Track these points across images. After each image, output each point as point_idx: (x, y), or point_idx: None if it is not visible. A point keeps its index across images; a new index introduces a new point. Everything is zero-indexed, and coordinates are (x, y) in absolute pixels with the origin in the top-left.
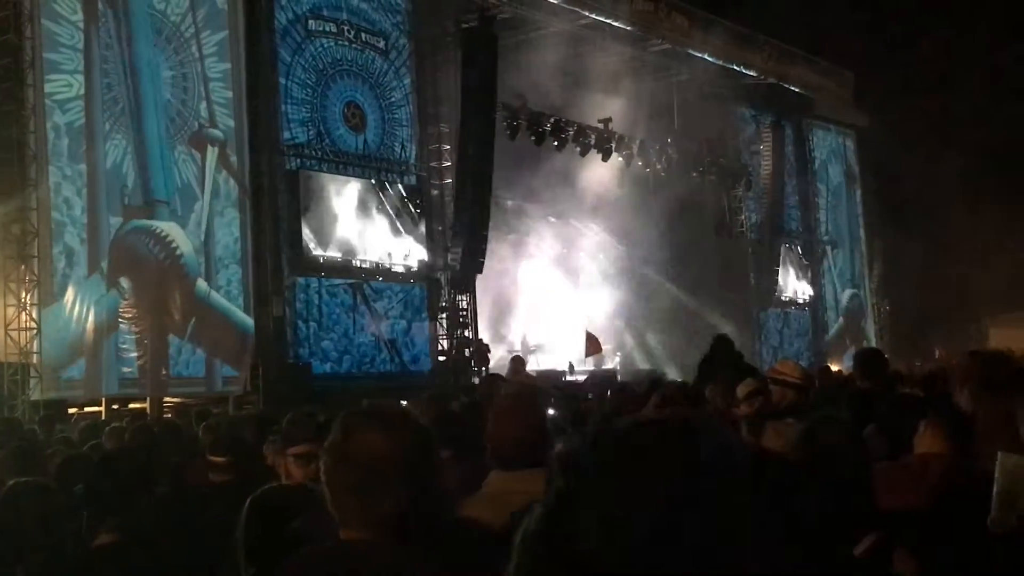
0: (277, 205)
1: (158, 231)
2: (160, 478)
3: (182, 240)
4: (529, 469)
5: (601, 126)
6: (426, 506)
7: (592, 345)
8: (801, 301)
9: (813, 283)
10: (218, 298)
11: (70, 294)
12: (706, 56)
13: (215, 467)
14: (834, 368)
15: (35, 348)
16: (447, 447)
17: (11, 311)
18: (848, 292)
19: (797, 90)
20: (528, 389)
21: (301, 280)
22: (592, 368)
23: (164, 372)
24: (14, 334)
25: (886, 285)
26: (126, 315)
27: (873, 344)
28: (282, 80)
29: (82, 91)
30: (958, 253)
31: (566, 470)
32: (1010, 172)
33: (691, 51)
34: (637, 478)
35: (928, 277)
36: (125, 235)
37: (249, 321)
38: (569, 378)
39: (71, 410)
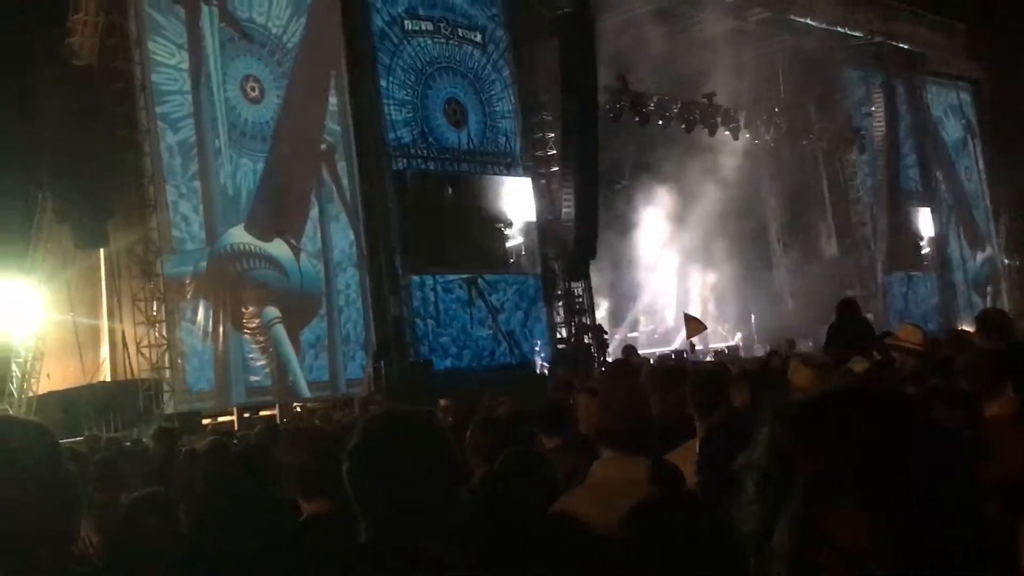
0: (387, 206)
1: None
2: None
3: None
4: (635, 455)
5: (705, 101)
6: None
7: (693, 326)
8: (926, 263)
9: (938, 244)
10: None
11: (200, 310)
12: (809, 20)
13: None
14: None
15: (166, 363)
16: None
17: (140, 329)
18: (976, 252)
19: (906, 47)
20: (661, 368)
21: (416, 279)
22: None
23: (290, 379)
24: (145, 351)
25: (1014, 242)
26: (249, 326)
27: (1006, 304)
28: (383, 82)
29: (191, 109)
30: None
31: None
32: None
33: (793, 16)
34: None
35: None
36: (231, 254)
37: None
38: (691, 359)
39: (204, 421)
